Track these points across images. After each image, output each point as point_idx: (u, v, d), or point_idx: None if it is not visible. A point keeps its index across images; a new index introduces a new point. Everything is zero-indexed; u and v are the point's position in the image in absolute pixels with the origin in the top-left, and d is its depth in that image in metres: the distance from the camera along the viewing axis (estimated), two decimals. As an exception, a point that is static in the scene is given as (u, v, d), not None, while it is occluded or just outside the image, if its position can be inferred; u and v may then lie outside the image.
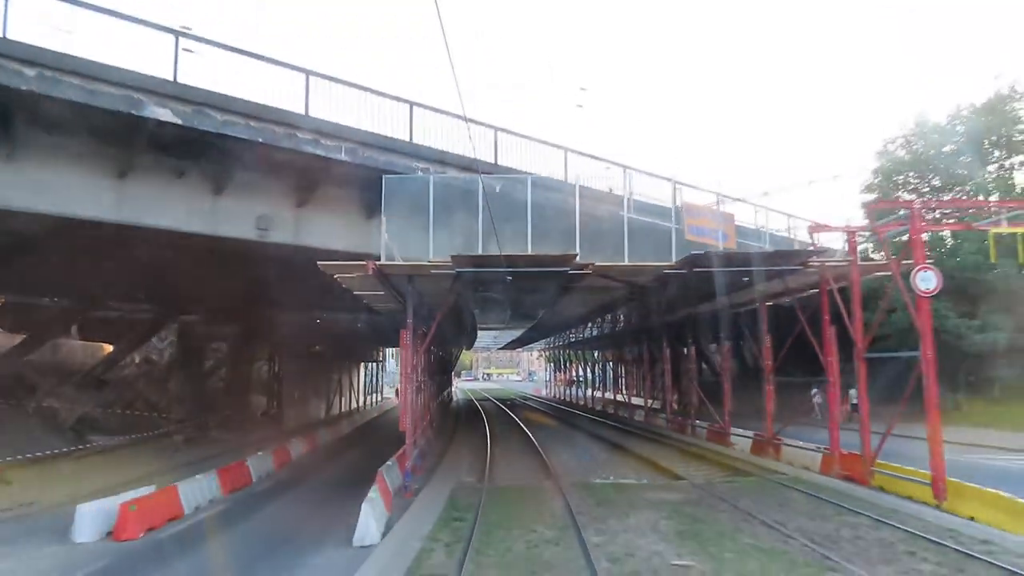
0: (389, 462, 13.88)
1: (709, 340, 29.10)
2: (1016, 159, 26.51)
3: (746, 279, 17.24)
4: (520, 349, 77.05)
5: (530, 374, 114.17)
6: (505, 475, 16.09)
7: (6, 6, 10.76)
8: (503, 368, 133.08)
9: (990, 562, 8.10)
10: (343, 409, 39.42)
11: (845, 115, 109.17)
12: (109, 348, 24.95)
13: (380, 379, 54.95)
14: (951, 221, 23.29)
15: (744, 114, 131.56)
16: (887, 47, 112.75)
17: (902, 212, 14.53)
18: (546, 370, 79.28)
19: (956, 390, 23.36)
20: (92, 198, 12.66)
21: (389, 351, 54.75)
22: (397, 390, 62.88)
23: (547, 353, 68.32)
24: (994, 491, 10.41)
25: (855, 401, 23.14)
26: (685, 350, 28.57)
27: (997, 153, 26.80)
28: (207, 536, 11.19)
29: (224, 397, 28.25)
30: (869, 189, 28.49)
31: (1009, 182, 26.43)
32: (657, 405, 30.99)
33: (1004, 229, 13.87)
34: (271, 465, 17.84)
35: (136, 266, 17.27)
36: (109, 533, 10.81)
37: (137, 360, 26.54)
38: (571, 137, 54.00)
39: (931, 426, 11.57)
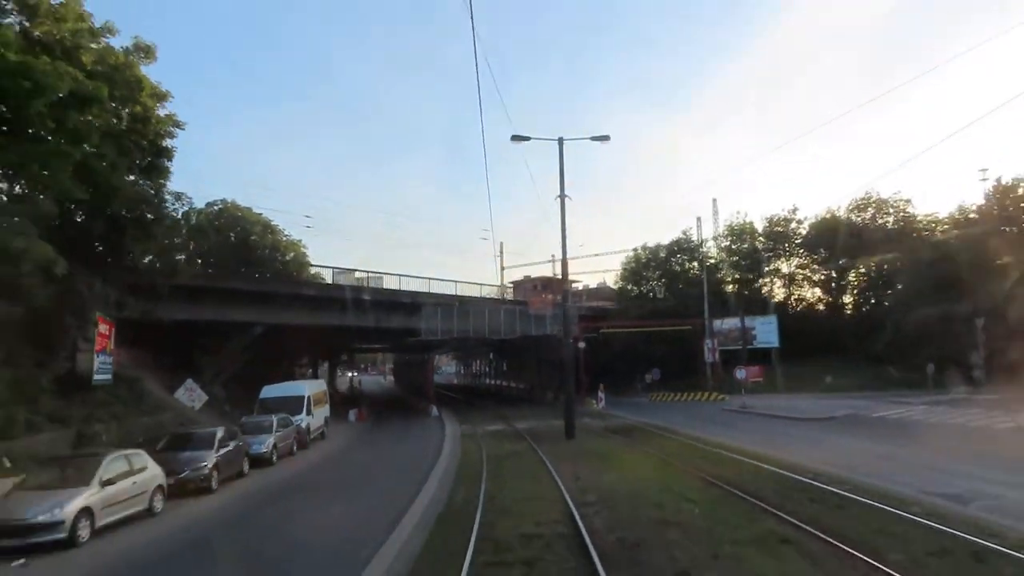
0: (423, 402, 41.95)
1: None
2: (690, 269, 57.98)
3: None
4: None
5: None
6: (463, 409, 44.43)
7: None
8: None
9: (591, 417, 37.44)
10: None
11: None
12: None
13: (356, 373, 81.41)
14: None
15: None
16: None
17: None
18: (455, 366, 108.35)
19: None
20: (333, 319, 39.45)
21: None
22: (360, 380, 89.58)
23: (456, 355, 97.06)
24: (592, 401, 39.87)
25: (653, 379, 51.90)
26: (538, 359, 57.78)
27: (677, 266, 58.13)
28: (384, 422, 38.90)
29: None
30: (618, 280, 59.52)
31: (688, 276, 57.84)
32: (523, 385, 60.52)
33: (615, 328, 43.80)
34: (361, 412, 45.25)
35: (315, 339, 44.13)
36: (358, 419, 38.18)
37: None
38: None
39: (571, 395, 41.20)
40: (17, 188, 19.35)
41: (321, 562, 9.07)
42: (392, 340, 46.32)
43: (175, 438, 17.26)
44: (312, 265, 49.72)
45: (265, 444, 19.76)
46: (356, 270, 39.73)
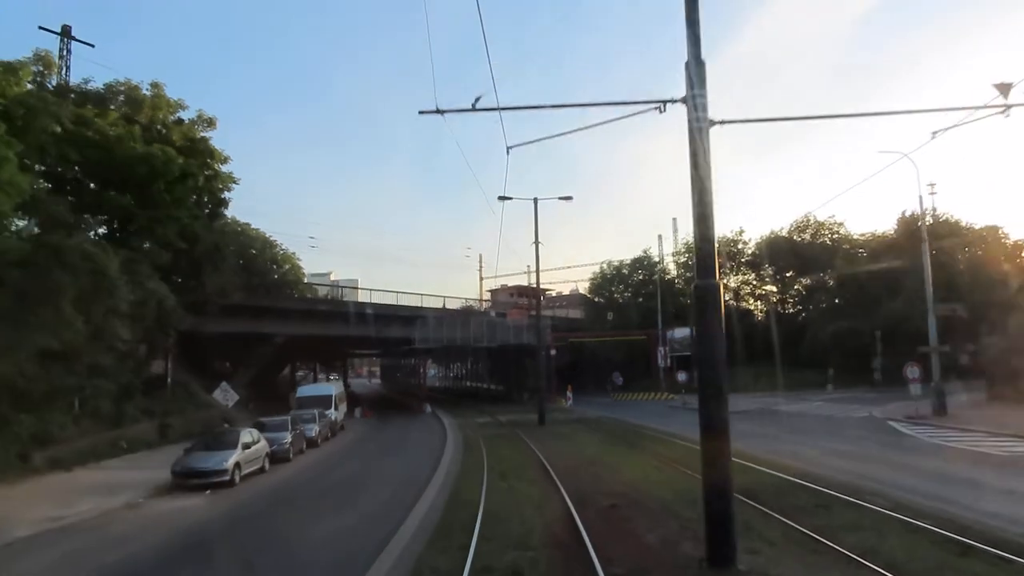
0: (417, 402, 48.68)
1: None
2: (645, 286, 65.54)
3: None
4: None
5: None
6: (451, 407, 51.24)
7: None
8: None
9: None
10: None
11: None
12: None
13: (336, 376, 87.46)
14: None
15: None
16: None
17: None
18: (435, 370, 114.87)
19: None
20: (341, 330, 46.01)
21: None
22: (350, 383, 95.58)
23: (436, 359, 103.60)
24: (562, 399, 47.03)
25: (617, 382, 59.52)
26: (515, 364, 64.74)
27: (638, 278, 65.66)
28: (387, 417, 45.59)
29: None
30: (589, 291, 66.78)
31: (648, 289, 65.33)
32: (500, 387, 67.50)
33: (582, 339, 51.01)
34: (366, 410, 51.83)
35: (322, 347, 50.60)
36: (363, 415, 44.76)
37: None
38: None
39: (543, 394, 48.29)
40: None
41: (399, 481, 15.95)
42: (386, 347, 52.93)
43: (258, 424, 23.81)
44: (309, 283, 55.77)
45: (313, 431, 26.42)
46: (358, 288, 46.27)
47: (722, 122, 7.90)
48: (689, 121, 7.59)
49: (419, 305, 49.74)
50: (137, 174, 22.81)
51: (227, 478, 17.44)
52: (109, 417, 25.29)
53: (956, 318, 30.52)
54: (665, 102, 7.98)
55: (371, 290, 46.27)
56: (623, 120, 8.52)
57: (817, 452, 17.95)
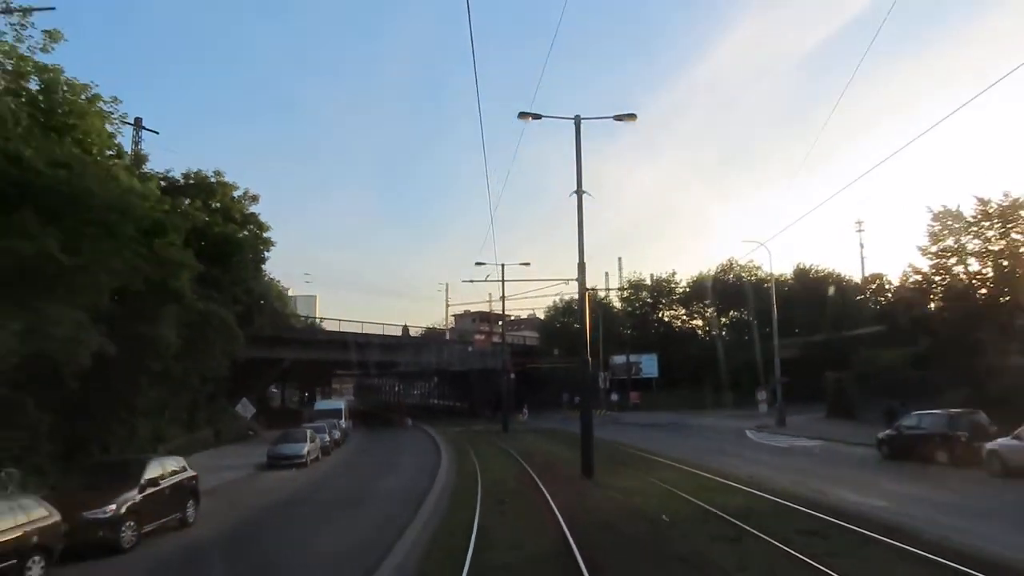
0: (398, 416, 58.03)
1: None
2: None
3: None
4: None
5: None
6: (427, 421, 60.60)
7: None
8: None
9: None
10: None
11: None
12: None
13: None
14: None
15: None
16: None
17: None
18: (400, 389, 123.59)
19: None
20: (338, 355, 55.05)
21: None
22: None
23: (402, 378, 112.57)
24: (522, 415, 56.98)
25: (574, 401, 69.31)
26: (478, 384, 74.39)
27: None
28: (377, 429, 54.73)
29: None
30: (544, 318, 77.35)
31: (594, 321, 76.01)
32: (465, 404, 77.17)
33: (538, 365, 61.28)
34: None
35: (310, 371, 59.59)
36: (354, 426, 53.81)
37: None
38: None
39: (506, 409, 58.33)
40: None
41: (419, 462, 25.68)
42: (366, 369, 62.31)
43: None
44: (301, 315, 64.72)
45: (336, 434, 35.76)
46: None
47: (593, 289, 18.31)
48: (578, 289, 17.86)
49: (398, 335, 59.30)
50: (222, 252, 32.09)
51: (304, 460, 26.89)
52: (185, 423, 34.22)
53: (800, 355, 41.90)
54: (569, 280, 18.31)
55: (361, 322, 55.69)
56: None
57: (679, 445, 28.38)
